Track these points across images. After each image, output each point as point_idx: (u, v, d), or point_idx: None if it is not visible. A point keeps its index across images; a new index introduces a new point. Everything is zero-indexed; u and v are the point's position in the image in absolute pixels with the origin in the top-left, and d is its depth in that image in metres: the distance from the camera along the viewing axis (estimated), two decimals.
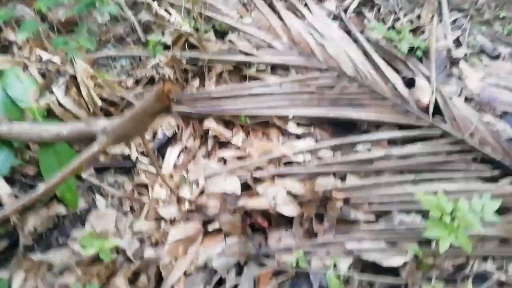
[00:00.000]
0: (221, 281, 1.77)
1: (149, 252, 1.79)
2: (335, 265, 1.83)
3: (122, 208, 2.10)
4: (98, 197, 2.15)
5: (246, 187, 2.09)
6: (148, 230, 1.93)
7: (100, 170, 2.24)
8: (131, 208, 2.11)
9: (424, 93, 2.28)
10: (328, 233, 1.96)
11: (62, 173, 1.50)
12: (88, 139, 1.58)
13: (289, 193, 2.02)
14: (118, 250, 1.86)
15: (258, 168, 2.18)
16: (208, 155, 2.34)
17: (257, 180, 2.10)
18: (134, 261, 1.80)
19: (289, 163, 2.20)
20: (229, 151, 2.32)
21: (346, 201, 1.97)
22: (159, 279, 1.78)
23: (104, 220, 2.01)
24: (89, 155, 1.51)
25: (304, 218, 2.00)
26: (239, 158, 2.27)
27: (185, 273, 1.79)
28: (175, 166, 2.29)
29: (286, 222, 2.01)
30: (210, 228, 1.94)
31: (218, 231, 1.93)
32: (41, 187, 1.49)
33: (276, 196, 1.98)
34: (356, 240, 1.90)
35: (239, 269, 1.83)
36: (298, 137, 2.34)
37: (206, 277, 1.77)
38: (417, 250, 1.75)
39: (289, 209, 1.96)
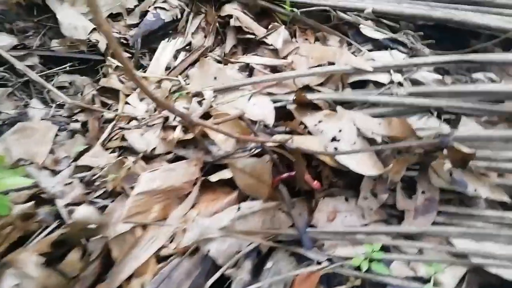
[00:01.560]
0: (224, 280, 0.92)
1: (88, 211, 0.93)
2: (434, 276, 0.96)
3: (69, 125, 1.23)
4: (34, 101, 1.27)
5: (284, 116, 1.19)
6: (102, 166, 1.06)
7: (52, 61, 1.35)
8: (84, 127, 1.23)
9: None
10: (423, 216, 1.06)
11: None
12: None
13: (361, 134, 1.10)
14: (41, 197, 1.00)
15: (307, 88, 1.26)
16: (225, 60, 1.41)
17: (303, 107, 1.18)
18: (67, 221, 0.95)
19: (360, 83, 1.26)
20: (259, 56, 1.39)
21: (461, 160, 1.05)
22: (108, 261, 0.93)
23: (31, 138, 1.14)
24: None
25: (381, 183, 1.10)
26: (275, 68, 1.34)
27: (157, 259, 0.95)
28: (169, 68, 1.38)
29: (349, 184, 1.13)
30: (214, 177, 1.06)
31: (227, 185, 1.06)
32: None
33: (338, 137, 1.08)
34: (474, 235, 1.01)
35: (259, 261, 0.97)
36: (377, 45, 1.38)
37: (195, 270, 0.92)
38: None
39: (359, 162, 1.05)
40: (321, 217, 1.09)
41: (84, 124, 1.23)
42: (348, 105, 1.22)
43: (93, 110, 1.22)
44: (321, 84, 1.31)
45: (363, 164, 1.06)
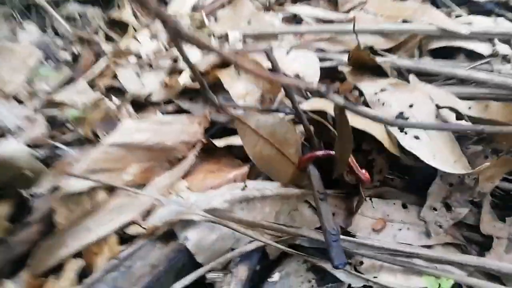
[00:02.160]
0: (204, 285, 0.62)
1: (20, 150, 0.66)
2: None
3: (58, 54, 0.98)
4: (29, 26, 1.04)
5: (333, 79, 0.87)
6: (80, 104, 0.79)
7: None
8: (76, 60, 0.98)
9: None
10: None
11: None
12: None
13: (441, 116, 0.75)
14: None
15: (369, 50, 0.93)
16: (268, 8, 1.11)
17: (361, 70, 0.85)
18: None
19: (446, 52, 0.91)
20: (309, 6, 1.08)
21: None
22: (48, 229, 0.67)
23: (7, 62, 0.90)
24: None
25: (461, 190, 0.74)
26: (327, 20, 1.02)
27: (121, 238, 0.66)
28: (196, 9, 1.09)
29: (411, 186, 0.79)
30: (221, 142, 0.75)
31: (238, 157, 0.75)
32: None
33: (407, 114, 0.74)
34: None
35: (262, 269, 0.65)
36: (476, 9, 1.02)
37: (164, 263, 0.62)
38: None
39: (436, 153, 0.69)
40: (364, 223, 0.75)
41: (77, 57, 0.98)
42: (426, 78, 0.87)
43: (91, 41, 0.97)
44: (389, 50, 0.97)
45: (442, 157, 0.70)
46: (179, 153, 0.77)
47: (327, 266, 0.67)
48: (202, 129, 0.79)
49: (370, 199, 0.79)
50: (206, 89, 0.60)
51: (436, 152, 0.71)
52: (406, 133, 0.73)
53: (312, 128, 0.72)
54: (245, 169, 0.74)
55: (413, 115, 0.76)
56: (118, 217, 0.69)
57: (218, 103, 0.63)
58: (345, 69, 0.87)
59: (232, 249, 0.63)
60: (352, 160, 0.68)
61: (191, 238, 0.61)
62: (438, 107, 0.77)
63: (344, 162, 0.67)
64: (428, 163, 0.69)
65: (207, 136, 0.79)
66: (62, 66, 0.94)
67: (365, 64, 0.85)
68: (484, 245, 0.74)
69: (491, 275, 0.69)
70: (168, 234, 0.66)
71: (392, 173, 0.85)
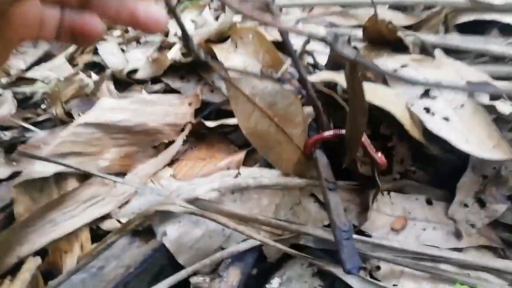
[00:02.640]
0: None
1: None
2: None
3: None
4: None
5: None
6: (53, 80, 0.70)
7: None
8: None
9: None
10: None
11: None
12: None
13: (472, 95, 0.63)
14: None
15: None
16: None
17: (378, 45, 0.73)
18: None
19: (476, 27, 0.79)
20: None
21: None
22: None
23: None
24: None
25: (498, 184, 0.62)
26: None
27: (93, 233, 0.56)
28: None
29: (436, 179, 0.67)
30: (213, 123, 0.64)
31: (234, 142, 0.64)
32: None
33: (433, 93, 0.62)
34: None
35: (259, 274, 0.54)
36: None
37: (139, 263, 0.51)
38: None
39: (469, 137, 0.57)
40: (381, 221, 0.63)
41: None
42: (454, 55, 0.75)
43: None
44: (410, 27, 0.85)
45: (477, 141, 0.58)
46: (165, 137, 0.66)
47: (337, 271, 0.56)
48: (193, 111, 0.69)
49: (388, 194, 0.67)
50: (196, 51, 0.50)
51: (470, 136, 0.59)
52: (433, 114, 0.61)
53: (321, 105, 0.61)
54: (240, 155, 0.63)
55: (441, 94, 0.64)
56: (91, 209, 0.59)
57: (213, 65, 0.53)
58: (360, 45, 0.76)
59: (222, 249, 0.52)
60: (366, 140, 0.57)
61: (171, 234, 0.50)
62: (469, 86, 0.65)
63: (356, 142, 0.56)
64: (461, 148, 0.57)
65: (198, 119, 0.69)
66: (40, 41, 0.85)
67: (383, 38, 0.73)
68: None
69: None
70: (149, 230, 0.56)
71: (414, 164, 0.73)
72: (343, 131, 0.57)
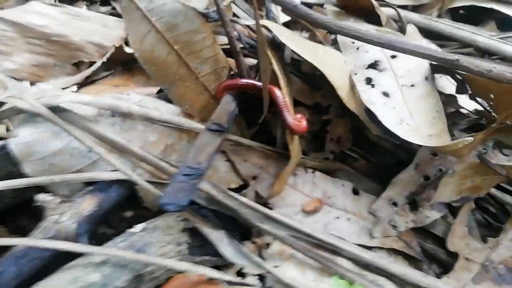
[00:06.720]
0: None
1: None
2: None
3: None
4: None
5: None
6: None
7: None
8: None
9: None
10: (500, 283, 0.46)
11: None
12: None
13: (431, 77, 0.53)
14: None
15: None
16: None
17: (350, 11, 0.64)
18: None
19: (471, 14, 0.68)
20: None
21: None
22: None
23: None
24: None
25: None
26: None
27: None
28: None
29: (377, 172, 0.59)
30: (130, 49, 0.57)
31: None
32: None
33: (383, 65, 0.54)
34: None
35: (136, 217, 0.48)
36: None
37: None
38: None
39: (407, 124, 0.48)
40: (293, 199, 0.56)
41: None
42: (438, 42, 0.65)
43: None
44: (405, 7, 0.76)
45: (413, 126, 0.49)
46: (86, 56, 0.61)
47: (212, 234, 0.48)
48: (126, 36, 0.63)
49: (313, 172, 0.59)
50: None
51: (408, 118, 0.50)
52: (373, 86, 0.52)
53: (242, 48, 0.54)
54: (153, 90, 0.57)
55: (392, 67, 0.54)
56: None
57: None
58: (331, 8, 0.67)
59: (77, 171, 0.46)
60: (280, 97, 0.49)
61: (22, 137, 0.44)
62: (431, 68, 0.55)
63: (264, 91, 0.48)
64: (388, 127, 0.48)
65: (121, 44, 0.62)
66: None
67: (357, 6, 0.64)
68: (446, 264, 0.52)
69: None
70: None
71: (356, 151, 0.64)
72: (260, 84, 0.49)
